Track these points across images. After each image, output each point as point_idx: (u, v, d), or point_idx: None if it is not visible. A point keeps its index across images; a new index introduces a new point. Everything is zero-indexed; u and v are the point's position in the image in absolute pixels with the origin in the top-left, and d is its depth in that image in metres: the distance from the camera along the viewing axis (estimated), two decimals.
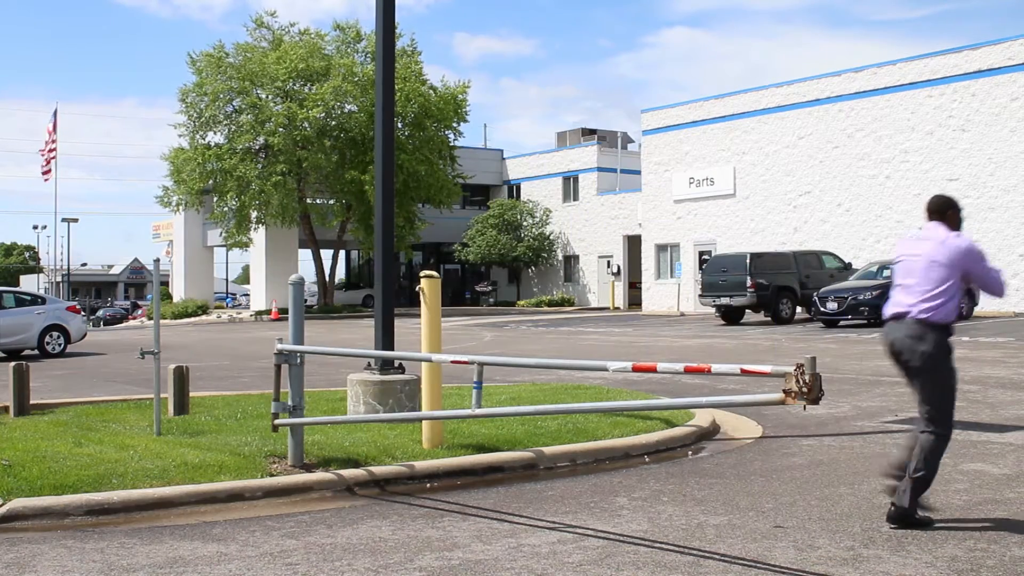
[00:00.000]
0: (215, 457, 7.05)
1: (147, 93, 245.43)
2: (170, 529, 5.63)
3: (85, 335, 23.06)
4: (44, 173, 55.01)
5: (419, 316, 7.69)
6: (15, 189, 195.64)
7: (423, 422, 7.67)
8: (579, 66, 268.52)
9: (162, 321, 28.41)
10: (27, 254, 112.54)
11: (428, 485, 6.79)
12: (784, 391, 4.65)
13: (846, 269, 28.37)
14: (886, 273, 24.90)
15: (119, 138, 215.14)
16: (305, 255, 48.16)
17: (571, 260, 46.63)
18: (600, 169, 45.50)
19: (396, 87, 34.98)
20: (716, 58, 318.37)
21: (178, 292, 51.56)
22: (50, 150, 54.36)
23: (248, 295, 56.13)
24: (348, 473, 6.73)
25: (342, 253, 50.83)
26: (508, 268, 48.41)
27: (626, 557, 4.84)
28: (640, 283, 40.76)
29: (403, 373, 8.74)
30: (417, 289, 7.75)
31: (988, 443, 7.80)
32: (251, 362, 18.22)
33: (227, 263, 62.42)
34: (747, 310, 27.81)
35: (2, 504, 5.86)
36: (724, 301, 27.28)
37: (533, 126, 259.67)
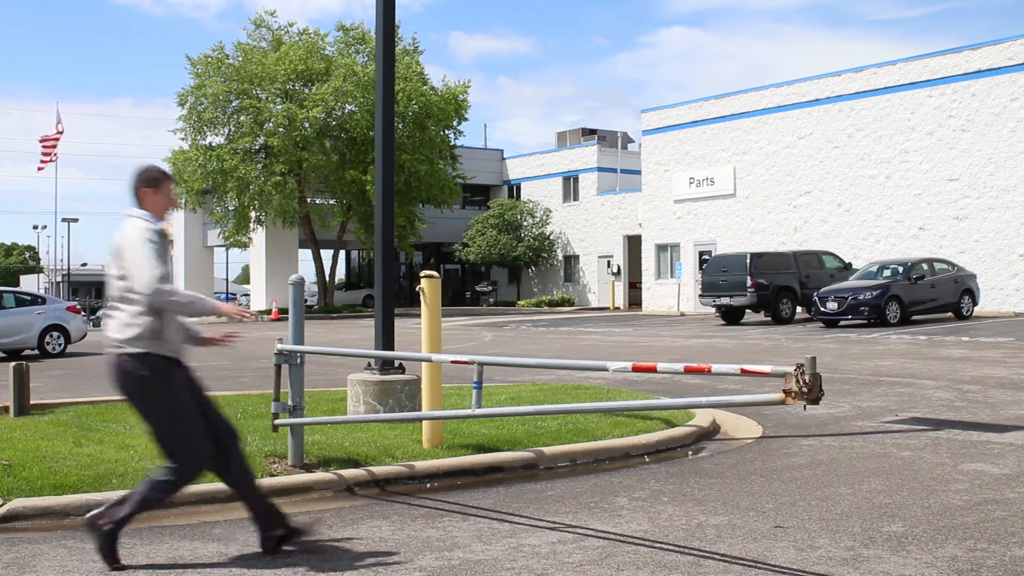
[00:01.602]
0: None
1: (142, 92, 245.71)
2: (170, 529, 5.63)
3: (85, 335, 23.06)
4: (41, 165, 55.06)
5: (419, 316, 7.69)
6: (15, 189, 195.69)
7: (423, 422, 7.67)
8: (577, 65, 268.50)
9: None
10: (27, 254, 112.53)
11: (428, 485, 6.79)
12: (784, 391, 4.66)
13: (846, 269, 28.38)
14: (886, 273, 24.94)
15: (116, 138, 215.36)
16: (305, 255, 48.21)
17: (571, 260, 46.64)
18: (600, 169, 45.52)
19: (397, 87, 35.00)
20: (714, 58, 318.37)
21: None
22: (51, 146, 54.47)
23: (248, 295, 56.15)
24: (348, 473, 6.73)
25: (342, 253, 50.87)
26: (508, 268, 48.42)
27: (626, 557, 4.83)
28: (640, 283, 40.77)
29: (403, 373, 8.74)
30: (417, 289, 7.75)
31: (988, 443, 7.80)
32: (251, 362, 18.22)
33: (227, 263, 62.39)
34: (747, 310, 27.82)
35: (2, 504, 5.86)
36: (724, 301, 27.28)
37: (531, 125, 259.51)
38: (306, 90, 39.66)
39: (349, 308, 43.76)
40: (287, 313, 9.76)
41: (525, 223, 46.45)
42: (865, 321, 23.93)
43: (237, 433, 5.06)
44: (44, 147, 54.72)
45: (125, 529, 4.80)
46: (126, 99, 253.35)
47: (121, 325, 4.68)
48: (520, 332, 26.61)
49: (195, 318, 4.93)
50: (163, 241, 4.71)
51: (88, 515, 4.79)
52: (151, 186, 4.83)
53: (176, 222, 51.12)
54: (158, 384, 4.69)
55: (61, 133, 54.58)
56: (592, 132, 48.99)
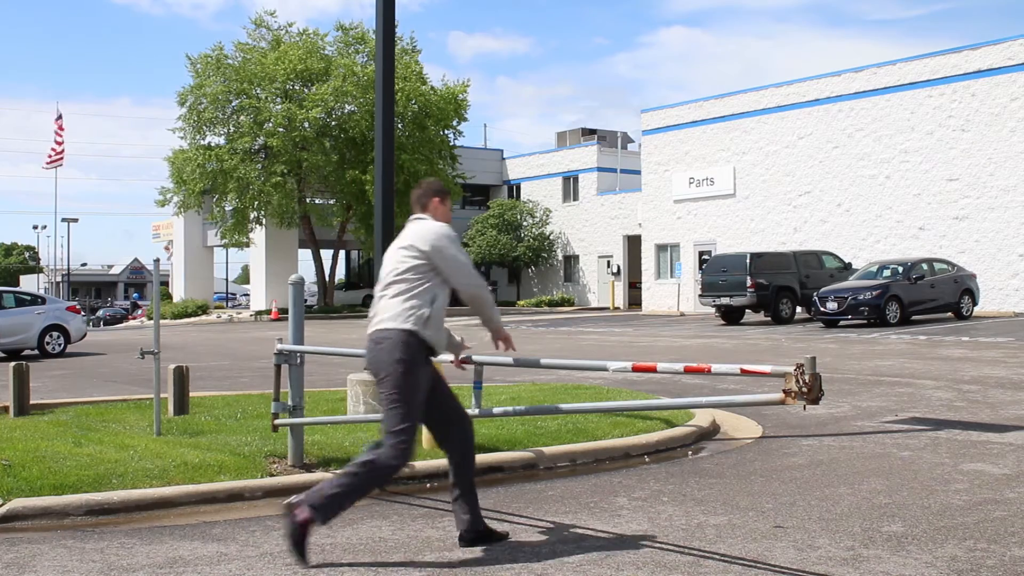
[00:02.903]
0: (215, 457, 7.05)
1: (141, 92, 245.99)
2: (170, 529, 5.63)
3: (85, 335, 23.07)
4: (49, 163, 55.46)
5: None
6: (15, 189, 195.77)
7: None
8: (576, 65, 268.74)
9: (162, 321, 28.38)
10: (27, 254, 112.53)
11: (428, 485, 6.79)
12: (784, 391, 4.66)
13: (846, 269, 28.38)
14: (886, 273, 24.94)
15: (115, 138, 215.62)
16: (305, 255, 48.20)
17: (571, 260, 46.63)
18: (600, 169, 45.51)
19: (396, 87, 35.00)
20: (714, 58, 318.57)
21: (178, 292, 51.55)
22: (58, 144, 54.88)
23: (248, 295, 56.16)
24: None
25: (342, 253, 50.84)
26: (508, 268, 48.41)
27: (626, 557, 4.83)
28: (640, 283, 40.77)
29: None
30: None
31: (988, 443, 7.80)
32: (251, 362, 18.22)
33: (227, 263, 62.37)
34: (747, 310, 27.81)
35: (2, 504, 5.86)
36: (724, 301, 27.28)
37: (530, 125, 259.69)
38: (306, 90, 39.66)
39: (349, 308, 43.75)
40: (287, 313, 9.76)
41: (525, 223, 46.44)
42: (865, 321, 23.93)
43: (469, 423, 5.36)
44: (53, 150, 55.18)
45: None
46: (125, 99, 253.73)
47: (397, 311, 4.92)
48: (520, 332, 26.60)
49: (484, 323, 5.42)
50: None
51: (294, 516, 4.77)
52: (441, 196, 5.27)
53: (176, 222, 51.10)
54: (410, 364, 4.89)
55: (63, 137, 54.96)
56: (592, 132, 48.97)
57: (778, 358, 16.06)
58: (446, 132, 42.01)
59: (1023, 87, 28.12)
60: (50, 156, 55.58)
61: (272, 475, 6.67)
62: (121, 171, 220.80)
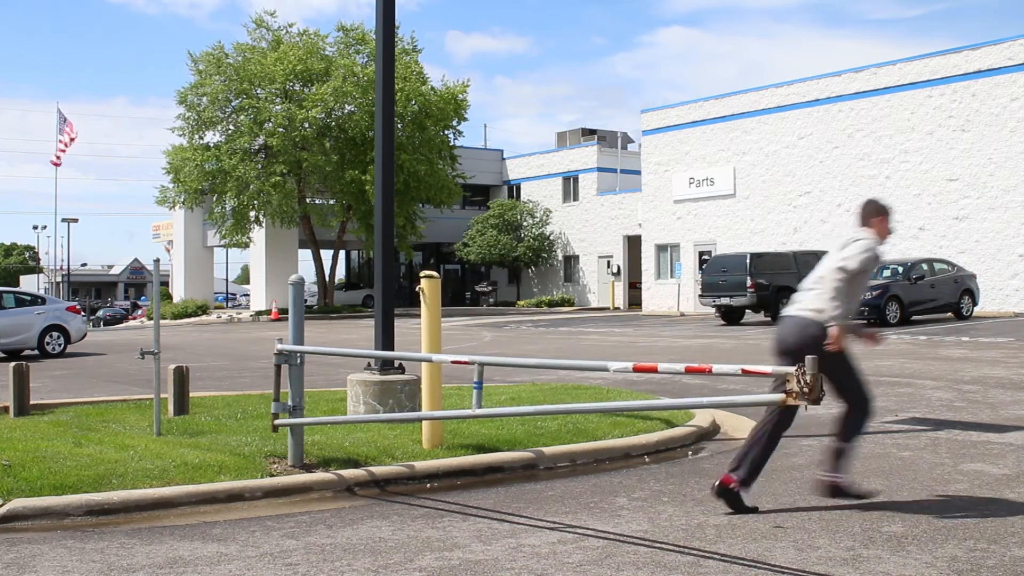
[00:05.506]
0: (215, 457, 7.05)
1: (138, 92, 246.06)
2: (170, 529, 5.63)
3: (85, 335, 23.06)
4: (58, 156, 55.75)
5: (419, 316, 7.69)
6: (15, 189, 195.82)
7: (423, 422, 7.67)
8: (574, 65, 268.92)
9: (162, 321, 28.38)
10: (27, 254, 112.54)
11: (428, 485, 6.79)
12: (785, 391, 4.66)
13: None
14: (886, 273, 24.93)
15: (113, 137, 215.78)
16: (305, 255, 48.19)
17: (571, 260, 46.62)
18: (600, 169, 45.50)
19: (396, 87, 35.00)
20: (713, 58, 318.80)
21: (178, 292, 51.54)
22: (66, 141, 55.11)
23: (248, 295, 56.16)
24: (348, 473, 6.73)
25: (342, 253, 50.84)
26: (508, 268, 48.40)
27: (626, 557, 4.83)
28: (640, 283, 40.76)
29: (403, 373, 8.74)
30: (417, 289, 7.75)
31: (988, 443, 7.80)
32: (251, 362, 18.23)
33: (227, 263, 62.36)
34: (747, 310, 27.81)
35: (2, 504, 5.86)
36: (724, 301, 27.27)
37: (528, 125, 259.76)
38: (306, 90, 39.65)
39: (349, 308, 43.75)
40: (287, 313, 9.76)
41: (525, 223, 46.44)
42: (865, 321, 23.92)
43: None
44: (60, 144, 55.42)
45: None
46: (122, 98, 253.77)
47: (818, 302, 5.71)
48: (520, 332, 26.60)
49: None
50: (875, 258, 5.93)
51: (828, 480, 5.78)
52: (880, 215, 6.22)
53: (176, 222, 51.11)
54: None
55: (73, 139, 55.26)
56: (592, 132, 48.97)
57: None
58: (446, 132, 41.99)
59: (1023, 87, 28.13)
60: (60, 153, 55.83)
61: (272, 475, 6.67)
62: (120, 171, 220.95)
